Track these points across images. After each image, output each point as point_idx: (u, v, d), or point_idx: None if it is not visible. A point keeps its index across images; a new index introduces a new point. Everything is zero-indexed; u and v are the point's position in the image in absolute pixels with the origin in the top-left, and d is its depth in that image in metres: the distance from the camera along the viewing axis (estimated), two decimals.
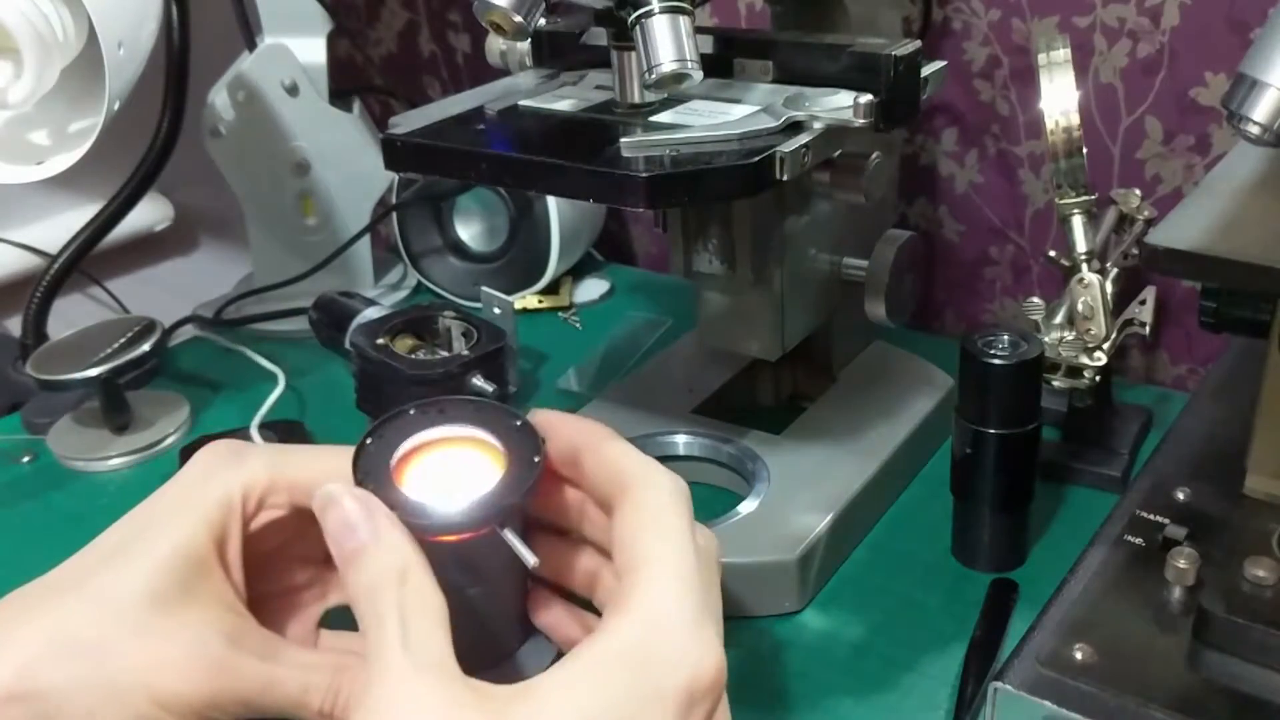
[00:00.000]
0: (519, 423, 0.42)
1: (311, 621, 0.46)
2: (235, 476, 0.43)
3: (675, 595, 0.37)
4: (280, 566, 0.46)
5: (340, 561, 0.39)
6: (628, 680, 0.35)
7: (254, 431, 0.73)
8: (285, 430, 0.74)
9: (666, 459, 0.65)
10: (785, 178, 0.49)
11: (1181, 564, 0.48)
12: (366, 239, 0.93)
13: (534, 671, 0.37)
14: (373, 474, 0.40)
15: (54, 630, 0.40)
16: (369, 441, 0.41)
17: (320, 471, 0.43)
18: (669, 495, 0.40)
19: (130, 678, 0.40)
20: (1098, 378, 0.60)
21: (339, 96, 0.91)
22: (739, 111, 0.53)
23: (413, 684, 0.35)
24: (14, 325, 0.90)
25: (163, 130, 0.80)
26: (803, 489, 0.60)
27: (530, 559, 0.40)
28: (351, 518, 0.39)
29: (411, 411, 0.42)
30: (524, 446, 0.41)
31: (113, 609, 0.40)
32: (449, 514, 0.39)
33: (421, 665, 0.35)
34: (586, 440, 0.42)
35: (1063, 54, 0.60)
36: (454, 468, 0.42)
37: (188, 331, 0.89)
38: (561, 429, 0.43)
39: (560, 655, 0.40)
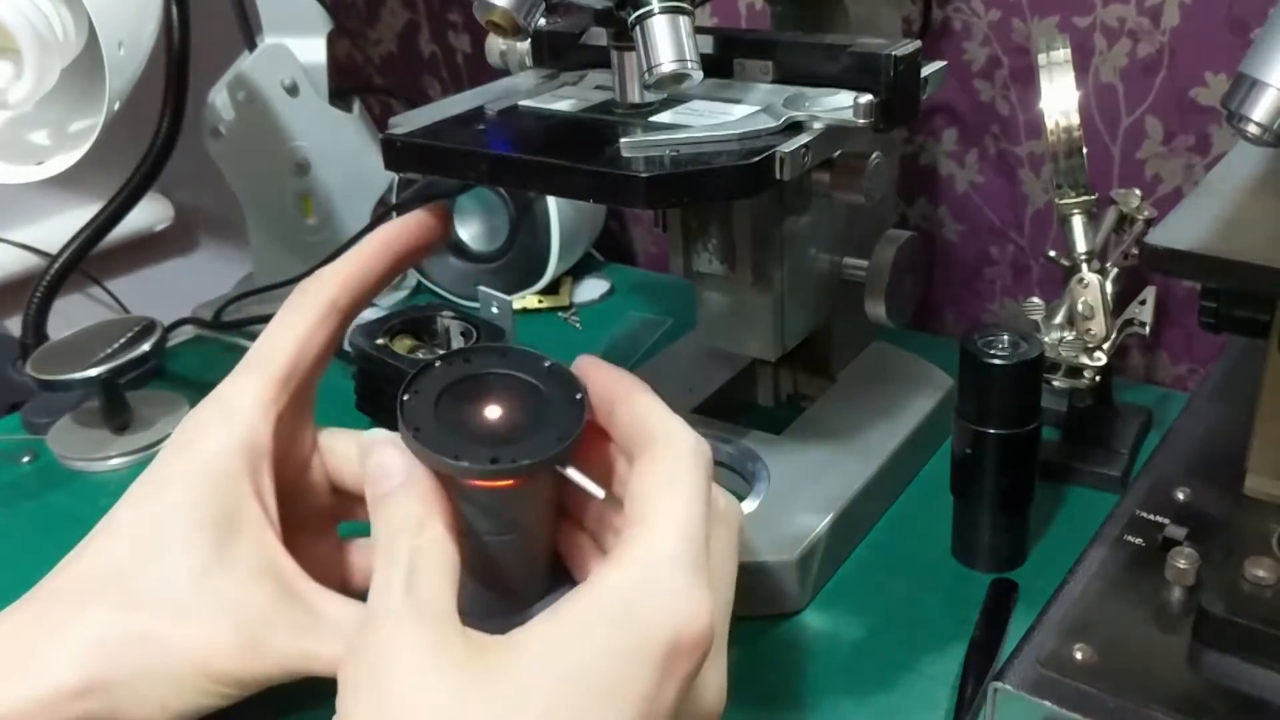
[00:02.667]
0: (548, 364, 0.42)
1: (335, 536, 0.50)
2: (232, 430, 0.44)
3: (669, 549, 0.37)
4: (306, 490, 0.48)
5: (370, 506, 0.40)
6: (607, 633, 0.35)
7: None
8: None
9: None
10: (785, 178, 0.49)
11: (1181, 564, 0.48)
12: None
13: None
14: (424, 427, 0.40)
15: (105, 626, 0.42)
16: (407, 398, 0.41)
17: (293, 349, 0.47)
18: (688, 454, 0.40)
19: (186, 664, 0.42)
20: (1098, 378, 0.60)
21: (339, 96, 0.91)
22: (739, 111, 0.53)
23: (406, 628, 0.36)
24: (14, 325, 0.90)
25: (163, 130, 0.80)
26: (803, 489, 0.60)
27: (598, 491, 0.40)
28: (389, 462, 0.40)
29: (438, 364, 0.42)
30: (561, 386, 0.42)
31: (156, 597, 0.42)
32: (515, 461, 0.39)
33: (419, 612, 0.36)
34: (621, 390, 0.42)
35: (1063, 54, 0.60)
36: (497, 411, 0.41)
37: (188, 331, 0.89)
38: (596, 376, 0.43)
39: None
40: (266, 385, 0.46)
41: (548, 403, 0.41)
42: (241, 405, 0.45)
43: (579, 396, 0.41)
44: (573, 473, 0.40)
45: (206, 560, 0.43)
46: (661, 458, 0.40)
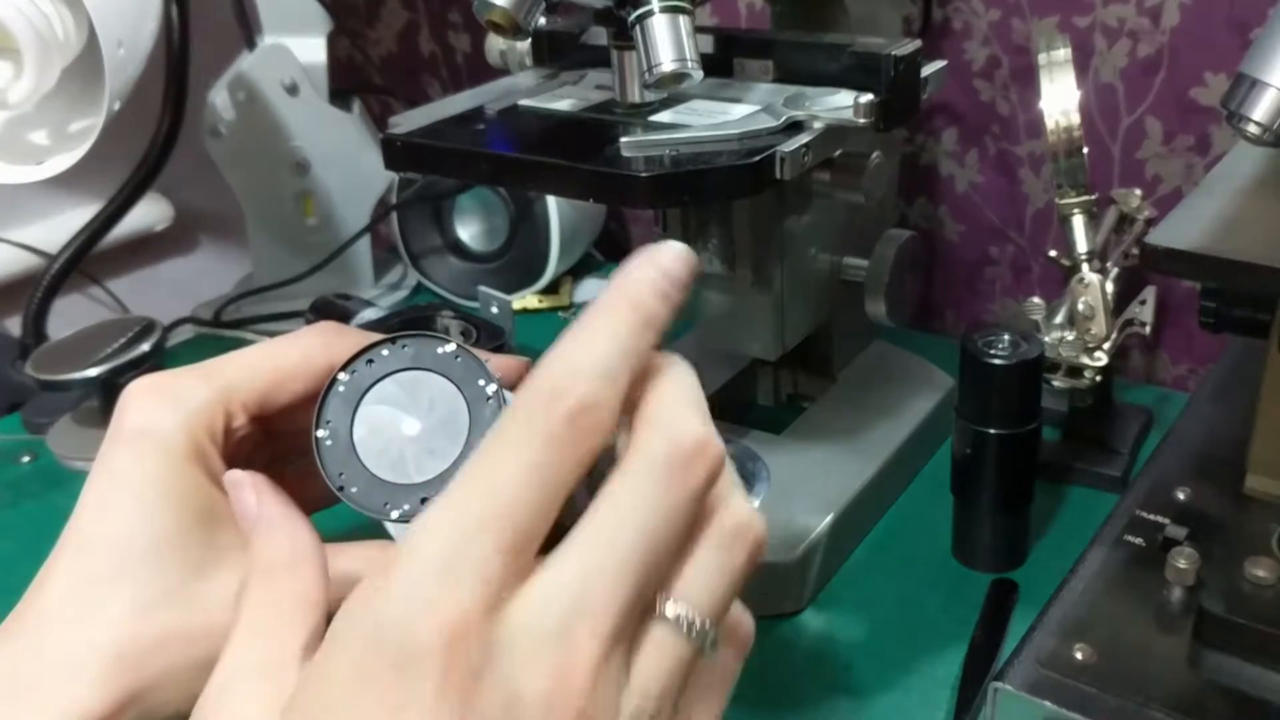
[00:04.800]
0: (452, 350, 0.41)
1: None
2: (184, 425, 0.43)
3: (415, 547, 0.30)
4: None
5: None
6: (350, 654, 0.30)
7: None
8: None
9: None
10: (785, 178, 0.49)
11: (1181, 564, 0.48)
12: (366, 239, 0.93)
13: None
14: (347, 474, 0.40)
15: (119, 639, 0.41)
16: (322, 434, 0.40)
17: (266, 376, 0.45)
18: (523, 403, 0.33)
19: (212, 646, 0.41)
20: (1098, 378, 0.60)
21: (339, 96, 0.91)
22: (739, 111, 0.53)
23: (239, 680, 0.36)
24: (14, 325, 0.90)
25: (163, 130, 0.80)
26: (803, 489, 0.60)
27: None
28: (241, 508, 0.41)
29: (341, 376, 0.41)
30: (470, 375, 0.40)
31: (166, 599, 0.42)
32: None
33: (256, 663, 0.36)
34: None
35: (1063, 54, 0.60)
36: (416, 428, 0.41)
37: (187, 331, 0.89)
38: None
39: None
40: (222, 399, 0.45)
41: (464, 404, 0.40)
42: (193, 407, 0.44)
43: (493, 389, 0.40)
44: None
45: (204, 554, 0.43)
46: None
